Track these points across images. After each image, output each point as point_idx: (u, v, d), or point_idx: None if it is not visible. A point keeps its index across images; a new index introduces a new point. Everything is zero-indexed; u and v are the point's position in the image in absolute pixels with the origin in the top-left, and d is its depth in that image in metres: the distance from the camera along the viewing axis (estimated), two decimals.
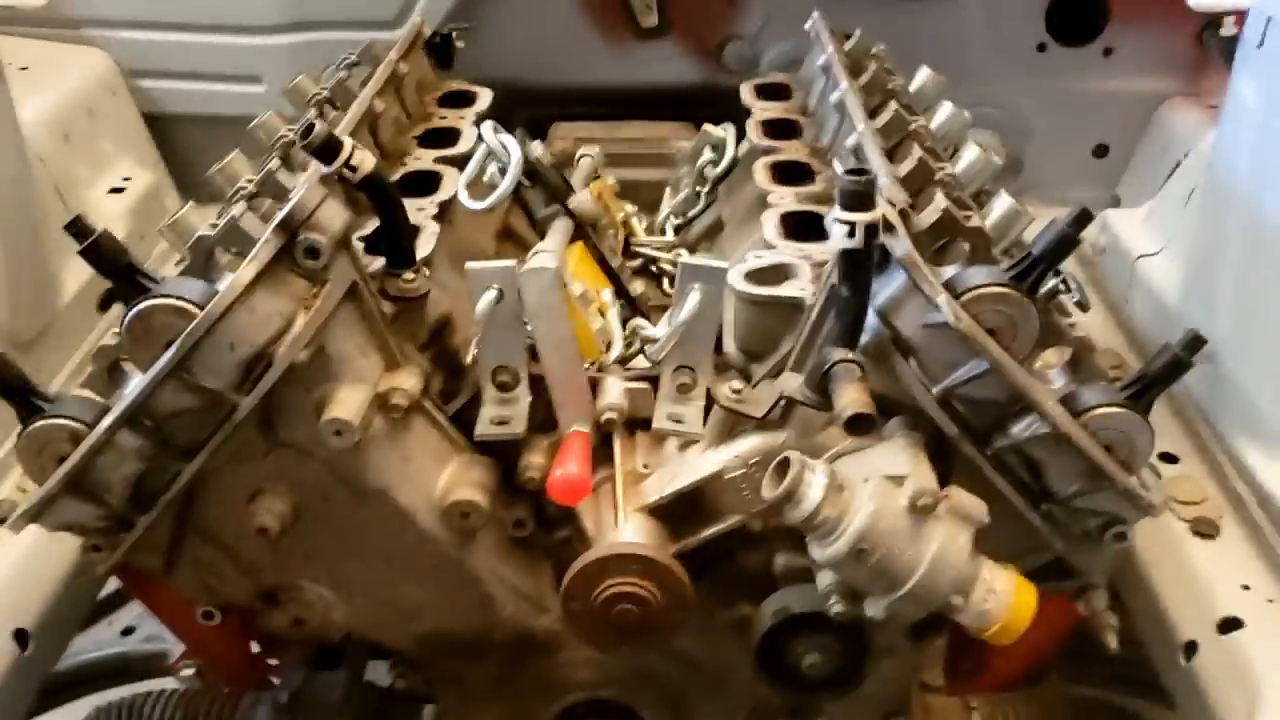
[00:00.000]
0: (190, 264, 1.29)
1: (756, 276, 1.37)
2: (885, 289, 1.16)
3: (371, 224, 1.45)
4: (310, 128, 1.23)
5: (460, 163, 1.72)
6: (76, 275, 1.99)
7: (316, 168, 1.34)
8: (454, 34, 2.11)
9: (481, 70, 2.17)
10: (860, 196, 1.08)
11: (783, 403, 1.23)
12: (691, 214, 2.04)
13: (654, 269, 1.96)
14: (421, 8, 2.31)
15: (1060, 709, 1.78)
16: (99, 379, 1.32)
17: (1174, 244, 1.90)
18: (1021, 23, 2.38)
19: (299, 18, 2.35)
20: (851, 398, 1.09)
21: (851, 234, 1.08)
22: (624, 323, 1.57)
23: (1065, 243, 1.13)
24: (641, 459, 1.33)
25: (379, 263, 1.36)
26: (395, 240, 1.32)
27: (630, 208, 2.02)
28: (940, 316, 1.11)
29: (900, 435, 1.19)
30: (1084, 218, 1.13)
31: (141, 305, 1.12)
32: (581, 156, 1.97)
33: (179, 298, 1.13)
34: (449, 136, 1.81)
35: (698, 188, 2.02)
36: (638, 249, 1.96)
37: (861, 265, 1.11)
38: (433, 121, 1.88)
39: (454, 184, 1.61)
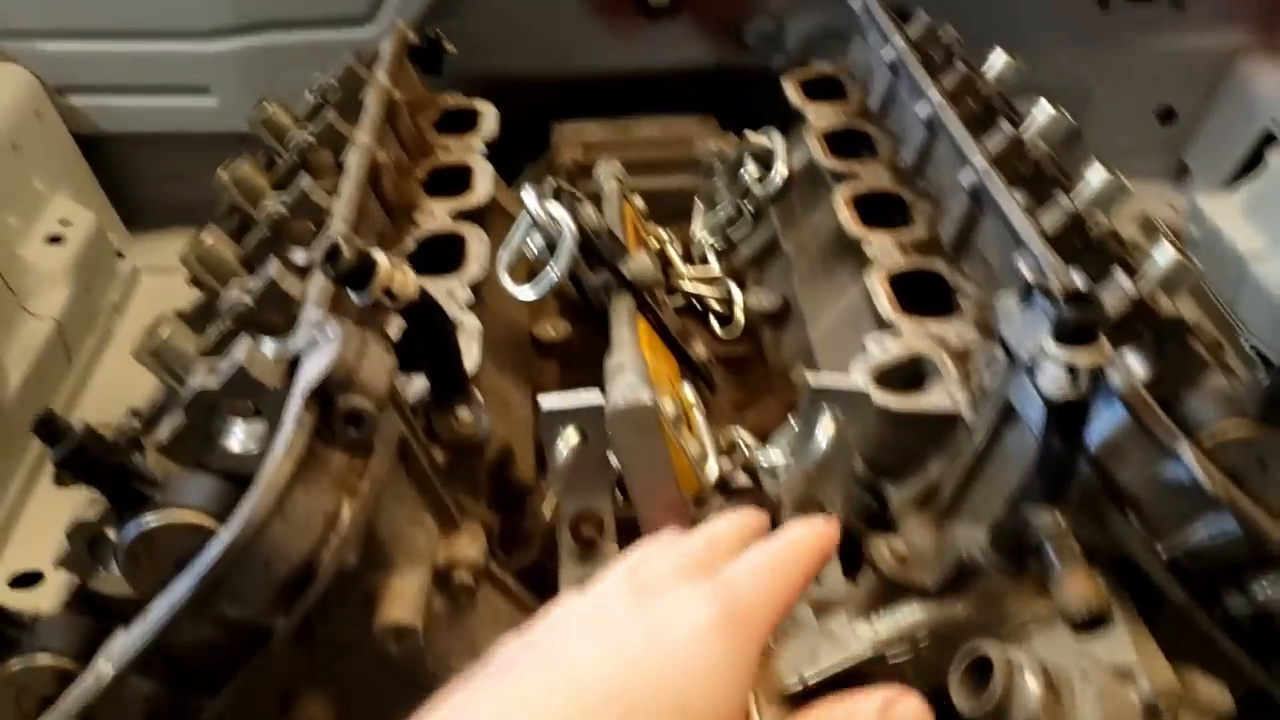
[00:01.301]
0: (187, 423, 1.00)
1: (890, 379, 1.11)
2: (1098, 428, 0.91)
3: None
4: (335, 249, 0.94)
5: (481, 217, 1.44)
6: (20, 360, 1.67)
7: (326, 288, 1.07)
8: (441, 36, 1.79)
9: (465, 64, 1.86)
10: (1085, 329, 0.82)
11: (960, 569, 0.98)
12: (735, 236, 1.76)
13: (699, 305, 1.69)
14: (396, 3, 1.97)
15: None
16: (79, 559, 1.05)
17: None
18: None
19: (252, 17, 1.99)
20: (1079, 590, 0.85)
21: (1074, 378, 0.83)
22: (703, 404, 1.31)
23: None
24: None
25: (416, 385, 1.09)
26: (448, 372, 1.04)
27: (664, 234, 1.74)
28: (1180, 472, 0.87)
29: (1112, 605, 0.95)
30: None
31: (147, 526, 0.84)
32: (604, 175, 1.68)
33: (194, 509, 0.85)
34: (460, 178, 1.51)
35: (744, 203, 1.73)
36: (678, 285, 1.69)
37: (1082, 416, 0.86)
38: (436, 157, 1.57)
39: (480, 251, 1.33)
